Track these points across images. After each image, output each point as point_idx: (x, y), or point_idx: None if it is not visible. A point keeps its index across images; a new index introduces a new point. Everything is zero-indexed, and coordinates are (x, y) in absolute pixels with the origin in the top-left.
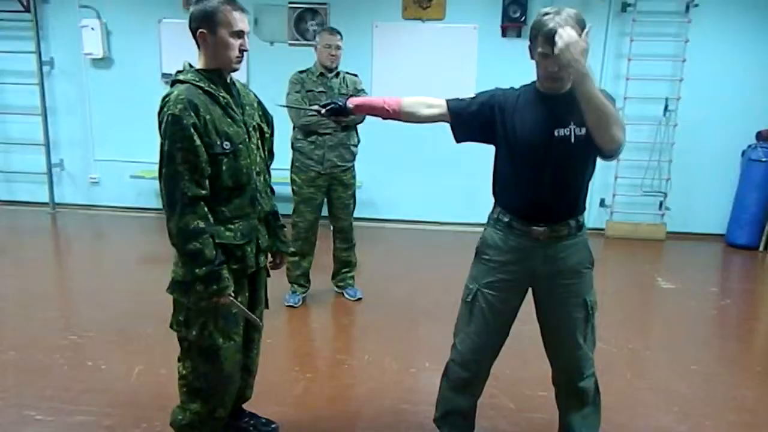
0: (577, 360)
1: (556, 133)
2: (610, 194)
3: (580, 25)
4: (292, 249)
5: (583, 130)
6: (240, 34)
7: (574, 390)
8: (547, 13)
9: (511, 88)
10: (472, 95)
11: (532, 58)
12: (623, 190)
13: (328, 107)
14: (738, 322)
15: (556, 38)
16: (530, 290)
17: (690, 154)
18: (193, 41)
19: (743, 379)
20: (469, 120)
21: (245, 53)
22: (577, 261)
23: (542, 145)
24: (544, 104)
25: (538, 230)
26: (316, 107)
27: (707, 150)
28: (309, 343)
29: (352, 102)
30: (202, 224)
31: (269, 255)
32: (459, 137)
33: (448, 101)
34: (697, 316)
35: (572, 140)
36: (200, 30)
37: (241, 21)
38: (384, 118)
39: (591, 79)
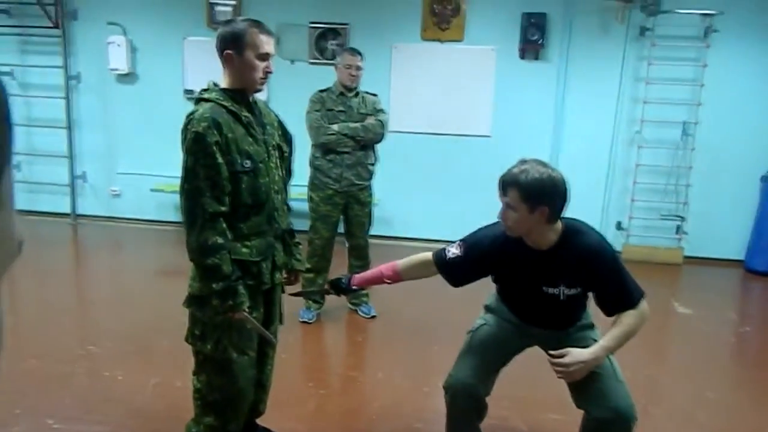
0: (623, 393)
1: (544, 290)
2: (627, 217)
3: (530, 197)
4: (307, 265)
5: (575, 290)
6: (265, 57)
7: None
8: (514, 166)
9: (497, 227)
10: (460, 250)
11: None
12: (640, 214)
13: (333, 284)
14: (757, 350)
15: (559, 368)
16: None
17: (708, 178)
18: (219, 60)
19: (762, 407)
20: (464, 275)
21: (269, 75)
22: (581, 335)
23: (532, 298)
24: (532, 260)
25: (535, 329)
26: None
27: (726, 175)
28: (323, 359)
29: (354, 281)
30: (220, 240)
31: (284, 272)
32: (456, 285)
33: (436, 263)
34: (715, 343)
35: (561, 298)
36: (227, 51)
37: (268, 44)
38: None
39: (606, 351)
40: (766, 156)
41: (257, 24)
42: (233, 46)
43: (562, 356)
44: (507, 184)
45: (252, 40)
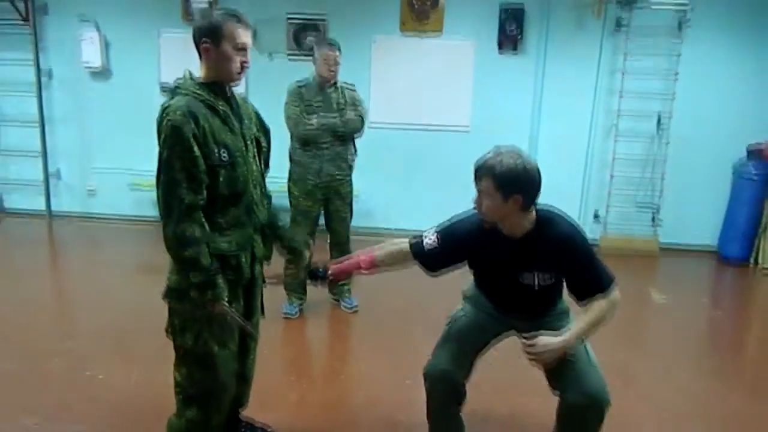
0: (596, 377)
1: (519, 277)
2: (604, 207)
3: (504, 185)
4: (288, 256)
5: (549, 277)
6: (243, 49)
7: (598, 417)
8: (487, 153)
9: (473, 215)
10: (436, 240)
11: None
12: (617, 204)
13: (310, 273)
14: (728, 335)
15: (530, 352)
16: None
17: (682, 168)
18: (196, 53)
19: (733, 390)
20: (441, 264)
21: (246, 68)
22: (556, 322)
23: (507, 285)
24: (506, 248)
25: (511, 316)
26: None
27: (699, 165)
28: (305, 352)
29: (331, 270)
30: (198, 232)
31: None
32: (433, 273)
33: (413, 253)
34: (689, 329)
35: (535, 285)
36: (204, 43)
37: (245, 36)
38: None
39: (576, 336)
40: (737, 146)
41: (234, 16)
42: (210, 38)
43: (533, 341)
44: (481, 172)
45: (229, 32)
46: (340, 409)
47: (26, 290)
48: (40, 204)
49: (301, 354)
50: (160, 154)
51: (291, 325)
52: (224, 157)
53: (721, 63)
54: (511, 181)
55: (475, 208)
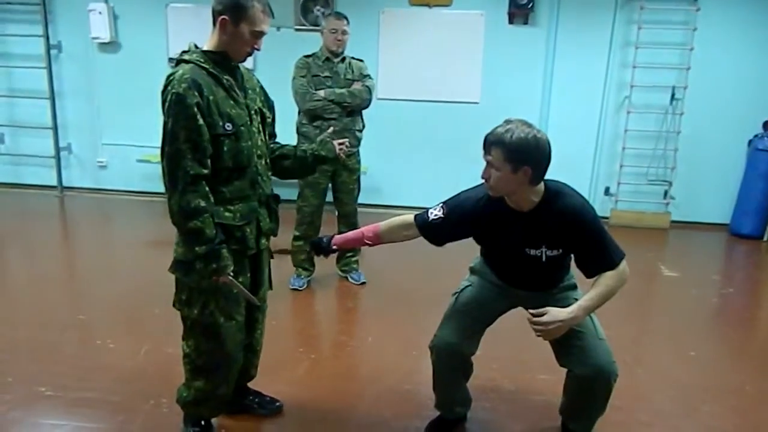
0: (604, 350)
1: (526, 251)
2: (615, 182)
3: (514, 156)
4: (296, 233)
5: (556, 251)
6: (259, 35)
7: (606, 390)
8: (499, 126)
9: (480, 189)
10: (441, 212)
11: None
12: (628, 179)
13: (315, 244)
14: (739, 311)
15: (537, 326)
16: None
17: (696, 143)
18: (204, 25)
19: (742, 366)
20: (446, 236)
21: (255, 51)
22: (564, 296)
23: (514, 259)
24: (514, 222)
25: (518, 290)
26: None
27: (713, 139)
28: (313, 324)
29: (335, 241)
30: (203, 203)
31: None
32: (439, 245)
33: (418, 225)
34: (699, 304)
35: (543, 259)
36: (223, 16)
37: (265, 23)
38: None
39: (584, 311)
40: (753, 120)
41: (261, 1)
42: (231, 14)
43: (540, 315)
44: (491, 143)
45: (252, 16)
46: (347, 381)
47: (39, 263)
48: (51, 178)
49: (308, 326)
50: (165, 124)
51: (298, 298)
52: (228, 127)
53: (738, 34)
54: (521, 152)
55: (483, 181)
